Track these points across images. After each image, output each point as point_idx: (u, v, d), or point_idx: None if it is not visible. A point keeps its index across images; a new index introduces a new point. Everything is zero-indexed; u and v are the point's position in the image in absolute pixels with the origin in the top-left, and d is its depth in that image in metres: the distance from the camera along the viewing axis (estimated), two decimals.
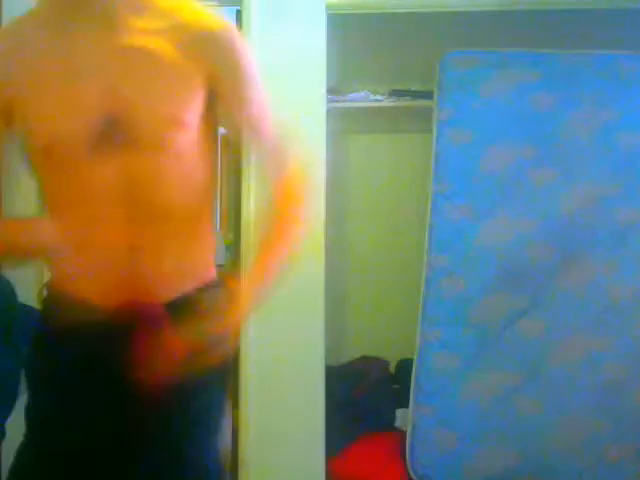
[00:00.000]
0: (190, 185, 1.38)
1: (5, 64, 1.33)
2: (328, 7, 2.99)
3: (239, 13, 3.08)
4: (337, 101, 3.34)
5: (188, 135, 1.34)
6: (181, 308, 1.34)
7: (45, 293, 1.45)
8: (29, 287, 3.08)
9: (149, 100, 1.30)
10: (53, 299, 1.42)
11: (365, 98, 3.41)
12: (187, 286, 1.39)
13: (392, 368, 3.48)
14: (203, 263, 1.45)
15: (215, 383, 1.42)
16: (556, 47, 3.03)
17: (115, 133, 1.29)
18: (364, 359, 3.51)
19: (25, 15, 1.38)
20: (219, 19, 1.41)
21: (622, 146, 2.96)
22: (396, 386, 3.36)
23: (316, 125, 3.02)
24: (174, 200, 1.35)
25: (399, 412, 3.24)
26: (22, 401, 2.92)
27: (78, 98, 1.30)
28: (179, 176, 1.36)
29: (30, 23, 1.36)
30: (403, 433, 3.03)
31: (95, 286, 1.34)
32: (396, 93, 3.40)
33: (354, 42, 3.39)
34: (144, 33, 1.30)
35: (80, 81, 1.30)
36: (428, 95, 3.17)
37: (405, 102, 3.37)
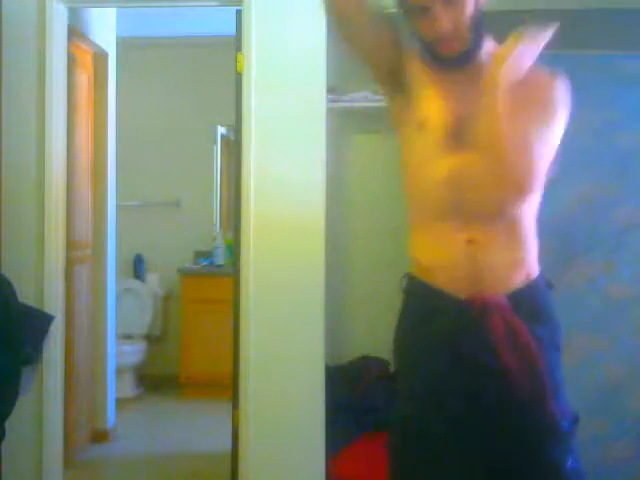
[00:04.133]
0: (513, 185, 1.61)
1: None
2: None
3: (239, 13, 3.08)
4: (337, 101, 3.34)
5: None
6: (517, 301, 1.58)
7: (406, 282, 1.80)
8: (29, 287, 3.10)
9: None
10: (415, 287, 1.76)
11: (365, 98, 3.41)
12: (517, 281, 1.62)
13: (392, 368, 3.48)
14: (527, 261, 1.66)
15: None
16: (556, 47, 3.03)
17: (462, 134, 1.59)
18: (364, 359, 3.51)
19: None
20: None
21: (622, 146, 2.96)
22: (396, 386, 3.36)
23: (316, 125, 3.02)
24: (501, 200, 1.60)
25: None
26: (22, 401, 2.93)
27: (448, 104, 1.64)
28: (506, 177, 1.59)
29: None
30: None
31: (445, 277, 1.63)
32: None
33: None
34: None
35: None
36: None
37: None
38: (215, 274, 5.18)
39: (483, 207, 1.59)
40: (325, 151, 3.03)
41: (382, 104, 3.41)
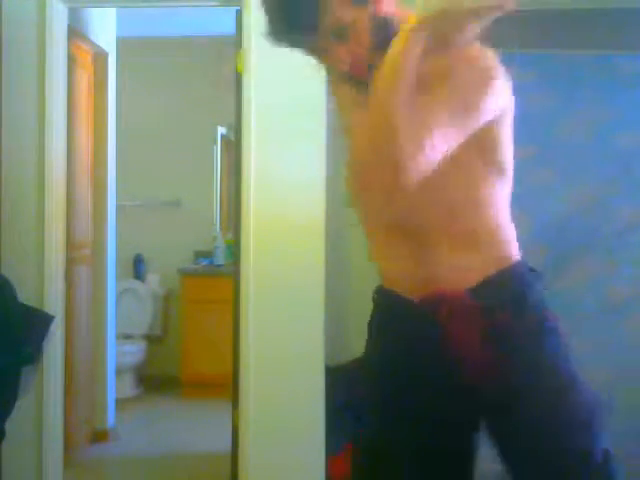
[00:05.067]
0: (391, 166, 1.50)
1: None
2: None
3: (239, 13, 3.08)
4: None
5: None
6: (485, 290, 1.54)
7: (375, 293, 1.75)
8: (29, 287, 3.10)
9: None
10: (380, 296, 1.74)
11: None
12: (481, 274, 1.57)
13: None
14: (497, 250, 1.60)
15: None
16: (556, 47, 3.03)
17: None
18: None
19: None
20: None
21: (622, 146, 2.96)
22: None
23: (316, 124, 3.02)
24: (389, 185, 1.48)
25: None
26: (22, 401, 2.93)
27: None
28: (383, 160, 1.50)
29: None
30: None
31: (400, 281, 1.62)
32: None
33: None
34: None
35: None
36: None
37: None
38: (215, 274, 5.18)
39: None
40: (325, 151, 3.03)
41: None
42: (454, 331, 1.53)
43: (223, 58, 3.61)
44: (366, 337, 1.86)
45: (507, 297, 1.54)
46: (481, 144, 1.50)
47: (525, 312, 1.55)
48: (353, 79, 1.58)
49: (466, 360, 1.52)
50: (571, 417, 1.54)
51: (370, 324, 1.83)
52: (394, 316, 1.66)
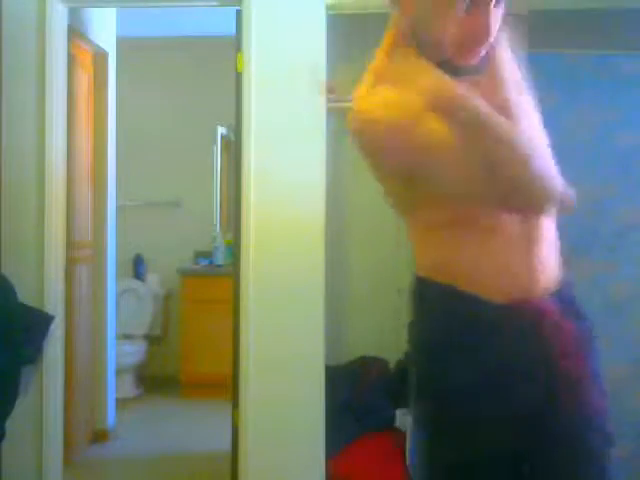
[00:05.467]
0: None
1: None
2: (328, 7, 3.00)
3: (239, 13, 3.08)
4: (337, 101, 3.33)
5: None
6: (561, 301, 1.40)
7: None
8: (29, 287, 3.10)
9: None
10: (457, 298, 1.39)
11: None
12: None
13: (392, 368, 3.48)
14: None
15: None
16: (556, 47, 3.03)
17: None
18: (364, 359, 3.51)
19: None
20: None
21: (622, 146, 2.96)
22: (396, 386, 3.36)
23: (316, 125, 3.02)
24: None
25: (399, 412, 3.24)
26: (22, 401, 2.93)
27: None
28: None
29: None
30: (403, 433, 3.03)
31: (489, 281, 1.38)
32: None
33: (354, 42, 3.39)
34: None
35: None
36: None
37: None
38: (215, 274, 5.18)
39: None
40: (325, 151, 3.03)
41: None
42: (560, 348, 1.34)
43: (223, 58, 3.60)
44: (422, 359, 1.43)
45: (576, 303, 1.45)
46: None
47: (587, 319, 1.45)
48: (450, 66, 1.34)
49: (571, 379, 1.35)
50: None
51: (434, 339, 1.40)
52: (482, 328, 1.35)
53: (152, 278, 5.48)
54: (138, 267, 5.48)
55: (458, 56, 1.34)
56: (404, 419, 3.11)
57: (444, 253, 1.38)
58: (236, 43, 3.09)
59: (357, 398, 3.29)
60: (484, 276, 1.35)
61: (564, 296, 1.42)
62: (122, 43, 4.37)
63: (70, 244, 3.44)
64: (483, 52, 1.36)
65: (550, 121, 3.27)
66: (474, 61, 1.35)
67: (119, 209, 4.43)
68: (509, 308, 1.33)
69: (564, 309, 1.39)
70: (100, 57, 4.13)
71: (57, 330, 3.15)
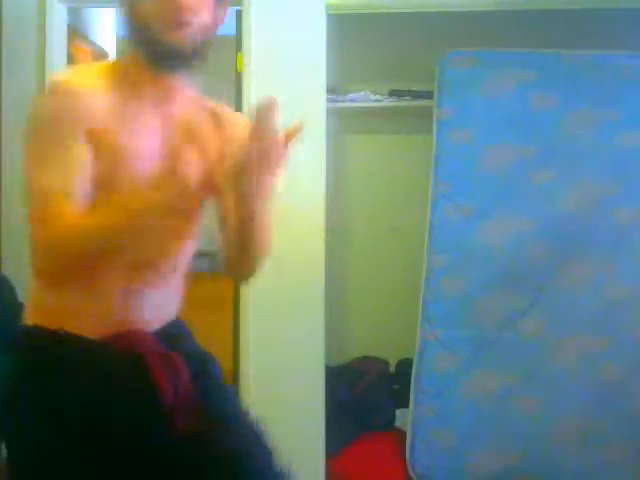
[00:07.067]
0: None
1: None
2: (328, 7, 3.00)
3: (239, 13, 3.08)
4: (337, 101, 3.34)
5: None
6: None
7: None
8: (29, 287, 3.09)
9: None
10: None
11: (365, 98, 3.41)
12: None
13: (392, 368, 3.48)
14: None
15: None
16: (556, 47, 3.03)
17: None
18: (364, 359, 3.51)
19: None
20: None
21: (622, 146, 2.96)
22: (396, 386, 3.36)
23: (316, 125, 3.02)
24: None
25: (399, 412, 3.24)
26: None
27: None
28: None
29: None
30: (403, 433, 3.03)
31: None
32: (396, 93, 3.40)
33: (354, 42, 3.40)
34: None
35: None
36: (428, 95, 3.17)
37: (405, 102, 3.38)
38: (215, 274, 5.17)
39: None
40: (325, 151, 3.03)
41: (382, 104, 3.45)
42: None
43: (223, 58, 3.60)
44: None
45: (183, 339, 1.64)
46: None
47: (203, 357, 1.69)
48: (159, 44, 1.44)
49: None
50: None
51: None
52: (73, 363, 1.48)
53: None
54: None
55: (165, 30, 1.39)
56: (404, 419, 3.11)
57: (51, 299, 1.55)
58: (236, 43, 3.09)
59: (357, 398, 3.29)
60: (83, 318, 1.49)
61: (167, 333, 1.58)
62: (122, 43, 4.36)
63: None
64: (192, 27, 1.41)
65: (550, 121, 3.29)
66: (183, 36, 1.41)
67: None
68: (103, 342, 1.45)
69: (163, 342, 1.53)
70: (100, 57, 4.13)
71: None
